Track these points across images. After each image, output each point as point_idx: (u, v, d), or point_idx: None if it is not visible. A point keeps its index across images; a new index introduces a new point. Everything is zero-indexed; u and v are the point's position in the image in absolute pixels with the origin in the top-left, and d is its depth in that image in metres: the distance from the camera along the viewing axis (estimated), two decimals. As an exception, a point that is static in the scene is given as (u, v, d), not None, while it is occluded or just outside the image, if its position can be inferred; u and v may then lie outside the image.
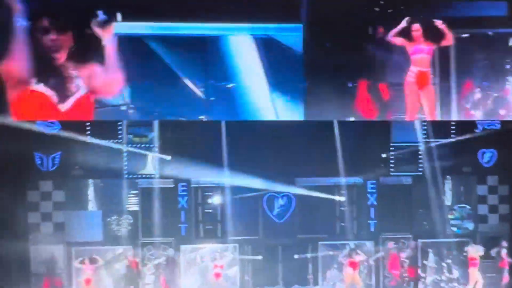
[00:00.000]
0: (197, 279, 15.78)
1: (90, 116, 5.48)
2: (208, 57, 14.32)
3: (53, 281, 14.65)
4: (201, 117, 14.25)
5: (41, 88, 5.06)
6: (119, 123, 15.45)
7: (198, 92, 14.10)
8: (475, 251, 15.08)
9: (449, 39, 11.86)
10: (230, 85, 14.10)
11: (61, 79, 5.17)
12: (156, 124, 15.49)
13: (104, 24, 5.10)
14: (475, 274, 15.01)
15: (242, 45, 14.27)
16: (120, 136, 15.44)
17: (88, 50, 5.27)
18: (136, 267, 15.04)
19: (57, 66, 5.17)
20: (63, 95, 5.19)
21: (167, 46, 14.03)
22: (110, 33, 5.16)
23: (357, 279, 15.19)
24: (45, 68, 5.06)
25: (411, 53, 12.10)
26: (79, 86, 5.27)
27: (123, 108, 13.58)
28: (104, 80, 5.26)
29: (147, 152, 15.58)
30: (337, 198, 16.15)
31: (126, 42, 9.11)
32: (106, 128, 15.13)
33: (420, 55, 12.02)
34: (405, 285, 15.70)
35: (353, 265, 15.15)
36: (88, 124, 14.92)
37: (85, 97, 5.34)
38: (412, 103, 12.38)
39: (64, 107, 5.23)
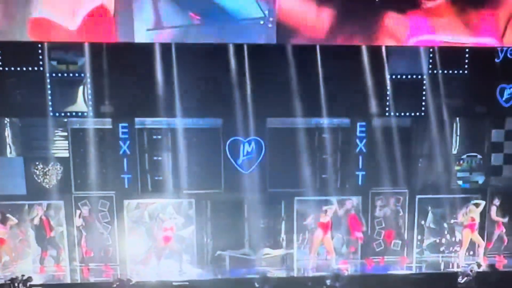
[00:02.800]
0: (145, 242, 13.85)
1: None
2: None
3: None
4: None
5: None
6: (39, 45, 12.79)
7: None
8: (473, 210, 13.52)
9: None
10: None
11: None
12: (86, 47, 12.82)
13: None
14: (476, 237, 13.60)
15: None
16: (41, 63, 13.01)
17: None
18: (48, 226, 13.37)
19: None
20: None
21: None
22: None
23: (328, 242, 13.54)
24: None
25: None
26: None
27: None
28: None
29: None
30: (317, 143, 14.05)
31: None
32: (23, 52, 12.84)
33: None
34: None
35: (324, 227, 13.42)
36: None
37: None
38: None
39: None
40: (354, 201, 14.01)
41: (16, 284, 10.97)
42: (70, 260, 13.47)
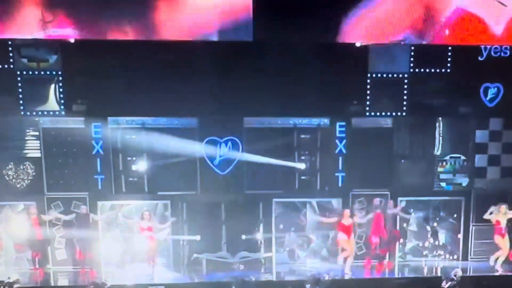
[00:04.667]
0: (119, 243, 13.63)
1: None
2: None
3: None
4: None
5: None
6: (8, 42, 12.52)
7: None
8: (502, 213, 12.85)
9: None
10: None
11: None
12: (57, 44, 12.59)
13: None
14: (502, 243, 12.91)
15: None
16: (11, 60, 12.76)
17: None
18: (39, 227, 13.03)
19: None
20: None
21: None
22: None
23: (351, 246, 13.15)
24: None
25: None
26: None
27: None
28: None
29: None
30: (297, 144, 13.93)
31: None
32: None
33: None
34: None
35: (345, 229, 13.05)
36: None
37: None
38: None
39: None
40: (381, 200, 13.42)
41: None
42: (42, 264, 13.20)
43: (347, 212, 13.02)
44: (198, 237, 13.39)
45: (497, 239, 12.92)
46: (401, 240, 13.91)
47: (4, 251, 13.26)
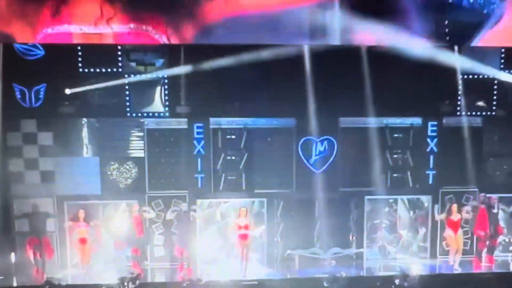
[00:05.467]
0: (216, 240, 14.13)
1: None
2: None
3: (41, 241, 13.11)
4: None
5: None
6: (118, 47, 13.24)
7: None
8: None
9: None
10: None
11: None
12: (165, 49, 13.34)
13: None
14: None
15: None
16: (120, 64, 13.43)
17: None
18: (141, 226, 13.42)
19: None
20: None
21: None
22: None
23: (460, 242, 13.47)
24: None
25: None
26: None
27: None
28: None
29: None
30: (389, 143, 14.29)
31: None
32: (102, 53, 13.31)
33: None
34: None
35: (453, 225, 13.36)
36: (79, 48, 13.17)
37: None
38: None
39: None
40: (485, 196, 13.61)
41: (125, 283, 11.00)
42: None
43: (455, 207, 13.25)
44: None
45: None
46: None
47: (103, 248, 13.64)
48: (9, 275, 12.72)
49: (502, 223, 13.93)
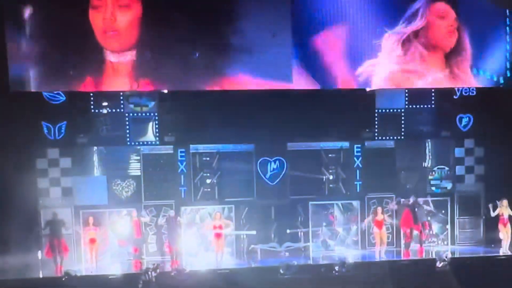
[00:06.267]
0: (197, 238, 16.25)
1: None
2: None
3: (60, 241, 14.74)
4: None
5: None
6: (120, 93, 15.90)
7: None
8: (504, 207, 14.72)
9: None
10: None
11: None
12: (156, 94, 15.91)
13: None
14: (503, 231, 14.89)
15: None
16: (122, 106, 16.00)
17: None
18: (139, 228, 15.50)
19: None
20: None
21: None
22: None
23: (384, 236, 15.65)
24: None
25: None
26: None
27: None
28: None
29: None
30: (326, 161, 16.82)
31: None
32: (108, 98, 15.77)
33: None
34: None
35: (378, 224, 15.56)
36: (91, 95, 15.54)
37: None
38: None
39: None
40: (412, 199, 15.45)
41: (149, 273, 12.21)
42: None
43: (379, 209, 15.31)
44: (254, 232, 15.91)
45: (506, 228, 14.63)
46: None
47: (109, 247, 15.72)
48: (36, 268, 14.32)
49: (425, 219, 15.93)
